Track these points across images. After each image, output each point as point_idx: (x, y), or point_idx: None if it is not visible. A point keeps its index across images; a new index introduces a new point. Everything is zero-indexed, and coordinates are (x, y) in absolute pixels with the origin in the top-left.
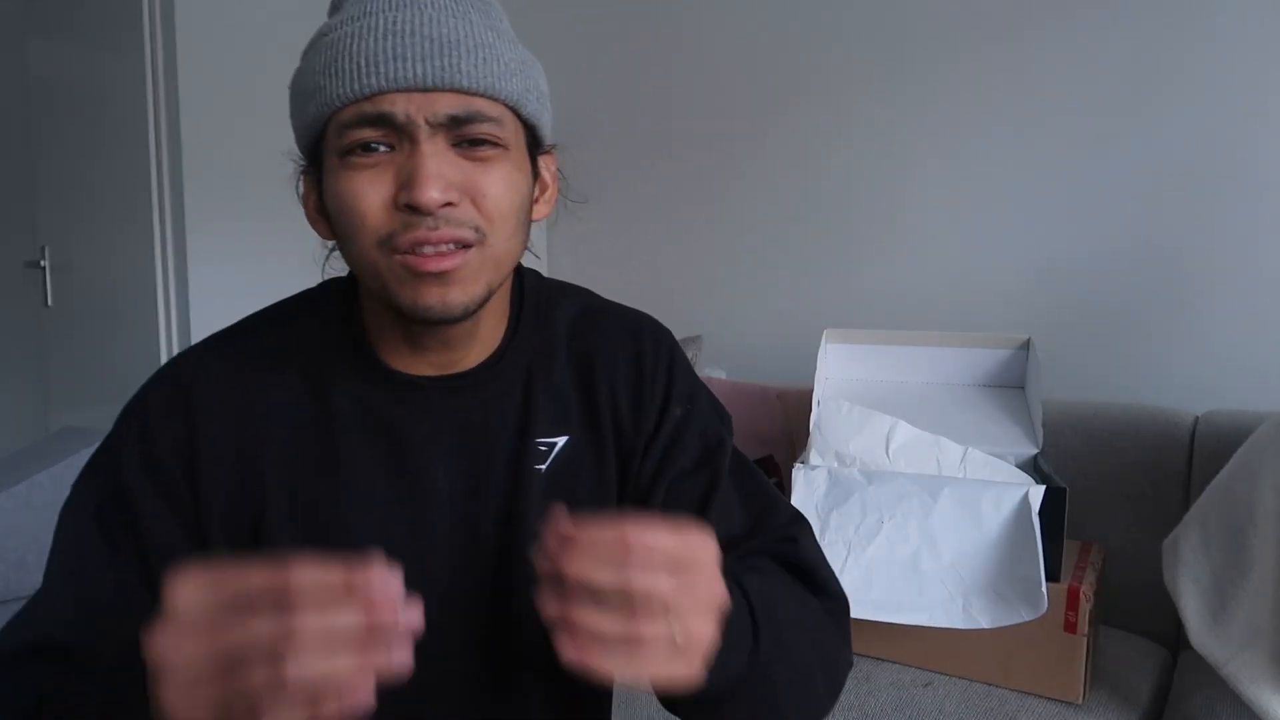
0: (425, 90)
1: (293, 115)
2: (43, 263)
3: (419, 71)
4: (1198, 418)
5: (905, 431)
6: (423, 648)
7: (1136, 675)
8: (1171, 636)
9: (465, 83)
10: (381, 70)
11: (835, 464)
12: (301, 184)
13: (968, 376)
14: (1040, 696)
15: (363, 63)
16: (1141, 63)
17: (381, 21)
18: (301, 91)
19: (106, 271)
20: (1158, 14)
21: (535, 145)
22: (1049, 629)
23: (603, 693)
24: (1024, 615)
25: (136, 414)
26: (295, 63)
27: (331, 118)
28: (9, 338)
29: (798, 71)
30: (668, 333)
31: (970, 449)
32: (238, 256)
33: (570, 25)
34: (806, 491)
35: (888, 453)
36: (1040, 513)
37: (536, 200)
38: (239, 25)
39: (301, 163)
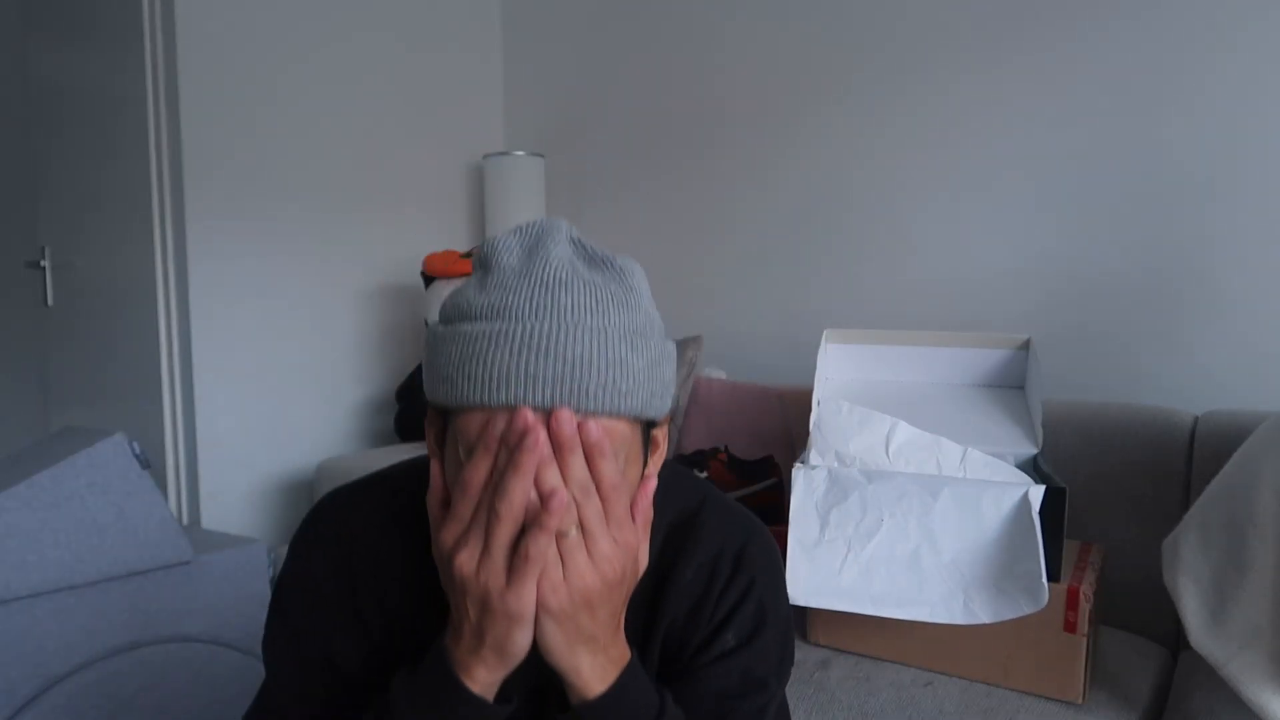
0: (549, 409)
1: (425, 369)
2: (43, 263)
3: (547, 394)
4: (1198, 418)
5: (905, 431)
6: None
7: (1136, 675)
8: (1171, 636)
9: (591, 405)
10: (512, 389)
11: (835, 464)
12: (429, 415)
13: (968, 376)
14: (1040, 696)
15: (496, 375)
16: (1142, 65)
17: (520, 330)
18: (434, 365)
19: (106, 271)
20: (1158, 19)
21: (652, 424)
22: (1049, 629)
23: None
24: (1025, 608)
25: (302, 544)
26: (295, 63)
27: (461, 408)
28: (9, 338)
29: (797, 73)
30: (767, 549)
31: (970, 449)
32: (237, 256)
33: (572, 26)
34: (806, 491)
35: (888, 453)
36: (1040, 513)
37: (645, 468)
38: (239, 26)
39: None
